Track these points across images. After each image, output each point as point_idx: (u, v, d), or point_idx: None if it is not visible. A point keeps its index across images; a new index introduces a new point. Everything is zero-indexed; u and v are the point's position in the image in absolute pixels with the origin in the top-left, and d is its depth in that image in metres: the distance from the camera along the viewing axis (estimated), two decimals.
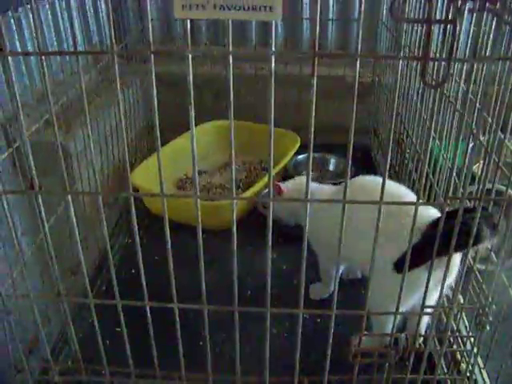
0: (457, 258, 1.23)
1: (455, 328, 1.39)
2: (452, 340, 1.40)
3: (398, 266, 1.20)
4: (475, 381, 1.31)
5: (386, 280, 1.19)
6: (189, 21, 0.74)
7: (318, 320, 1.63)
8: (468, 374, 1.29)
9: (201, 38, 2.82)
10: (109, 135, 1.95)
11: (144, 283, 1.05)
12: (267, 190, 1.67)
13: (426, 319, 1.41)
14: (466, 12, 0.75)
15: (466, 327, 1.40)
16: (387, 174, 0.88)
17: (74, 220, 0.97)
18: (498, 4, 0.91)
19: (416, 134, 1.82)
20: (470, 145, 1.14)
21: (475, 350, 1.25)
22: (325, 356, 1.08)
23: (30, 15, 1.52)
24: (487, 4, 0.91)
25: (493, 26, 1.08)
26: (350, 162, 0.85)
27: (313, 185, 1.65)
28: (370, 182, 1.47)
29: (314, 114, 0.79)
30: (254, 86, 2.59)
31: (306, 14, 2.69)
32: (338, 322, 1.54)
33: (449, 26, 0.72)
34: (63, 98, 1.63)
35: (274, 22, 0.71)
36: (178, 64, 2.59)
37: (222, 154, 2.58)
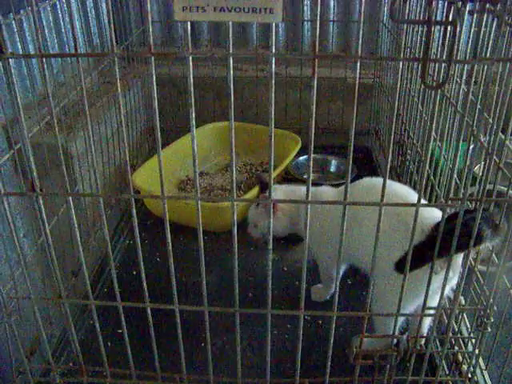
0: (459, 259, 1.23)
1: (456, 329, 1.39)
2: (453, 341, 1.40)
3: (399, 266, 1.20)
4: (476, 382, 1.31)
5: (390, 281, 1.19)
6: (189, 23, 0.74)
7: (320, 321, 1.63)
8: (469, 376, 1.29)
9: (202, 39, 2.83)
10: (110, 137, 1.96)
11: (145, 285, 1.05)
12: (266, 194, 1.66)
13: (427, 321, 1.41)
14: (466, 13, 0.75)
15: (467, 328, 1.40)
16: (388, 175, 0.88)
17: (75, 222, 0.98)
18: (499, 5, 0.91)
19: (417, 135, 1.82)
20: (471, 146, 1.14)
21: (476, 351, 1.24)
22: (326, 357, 1.08)
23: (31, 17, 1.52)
24: (487, 5, 0.91)
25: (493, 27, 1.08)
26: (350, 164, 0.85)
27: (312, 188, 1.64)
28: (376, 184, 1.48)
29: (314, 115, 0.79)
30: (255, 88, 2.59)
31: (306, 16, 2.69)
32: (340, 323, 1.55)
33: (449, 28, 0.72)
34: (64, 100, 1.63)
35: (274, 24, 0.71)
36: (179, 66, 2.60)
37: (223, 156, 2.58)
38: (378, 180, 1.51)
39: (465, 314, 1.40)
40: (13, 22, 1.57)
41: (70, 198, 0.95)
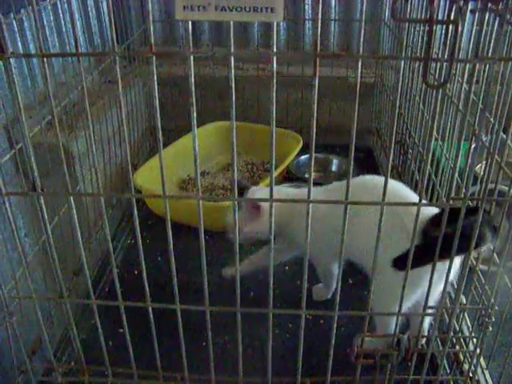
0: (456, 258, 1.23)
1: (458, 329, 1.39)
2: (454, 341, 1.40)
3: (396, 264, 1.20)
4: (478, 381, 1.31)
5: (387, 278, 1.19)
6: (190, 22, 0.74)
7: (321, 321, 1.63)
8: (470, 375, 1.29)
9: (203, 39, 2.82)
10: (111, 136, 1.96)
11: (146, 284, 1.05)
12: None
13: (427, 319, 1.41)
14: (467, 12, 0.75)
15: (468, 328, 1.40)
16: (389, 174, 0.88)
17: (77, 221, 0.98)
18: (501, 4, 0.91)
19: (418, 135, 1.82)
20: (473, 145, 1.14)
21: (478, 350, 1.24)
22: (327, 357, 1.08)
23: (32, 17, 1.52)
24: (489, 4, 0.91)
25: (495, 26, 1.08)
26: (352, 163, 0.85)
27: (297, 190, 1.63)
28: (371, 181, 1.48)
29: (316, 114, 0.79)
30: (257, 87, 2.59)
31: (308, 15, 2.69)
32: (341, 322, 1.55)
33: (450, 27, 0.72)
34: (65, 100, 1.63)
35: (275, 23, 0.71)
36: (180, 65, 2.60)
37: (224, 155, 2.58)
38: (372, 178, 1.52)
39: (466, 314, 1.40)
40: (13, 21, 1.57)
41: (72, 198, 0.95)
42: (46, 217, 0.98)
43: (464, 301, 1.32)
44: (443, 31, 0.74)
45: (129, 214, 2.17)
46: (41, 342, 1.31)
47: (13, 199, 1.30)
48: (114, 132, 1.97)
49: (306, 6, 2.67)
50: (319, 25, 0.71)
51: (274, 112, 0.79)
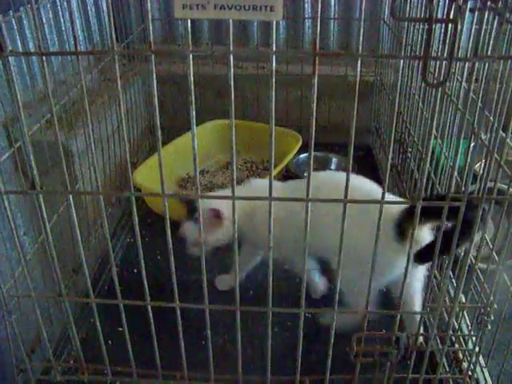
0: (424, 236, 1.29)
1: (457, 327, 1.39)
2: (454, 339, 1.40)
3: (420, 258, 1.22)
4: (477, 380, 1.31)
5: (355, 270, 1.20)
6: (189, 20, 0.74)
7: (320, 319, 1.63)
8: (469, 373, 1.29)
9: (203, 37, 2.82)
10: (111, 135, 1.96)
11: (146, 282, 1.05)
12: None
13: (416, 318, 1.41)
14: (467, 11, 0.75)
15: (467, 326, 1.40)
16: (388, 172, 0.88)
17: (76, 219, 0.98)
18: (500, 3, 0.91)
19: (418, 133, 1.82)
20: (472, 144, 1.14)
21: (477, 349, 1.25)
22: (326, 355, 1.08)
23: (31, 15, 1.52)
24: (488, 3, 0.91)
25: (494, 25, 1.08)
26: (351, 161, 0.85)
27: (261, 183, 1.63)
28: (334, 177, 1.50)
29: (315, 113, 0.79)
30: (256, 86, 2.59)
31: (307, 14, 2.69)
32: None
33: (450, 25, 0.72)
34: (65, 98, 1.63)
35: (274, 22, 0.71)
36: (179, 63, 2.60)
37: (224, 154, 2.58)
38: (334, 173, 1.53)
39: (465, 312, 1.40)
40: (13, 19, 1.56)
41: (70, 196, 0.95)
42: (45, 215, 0.98)
43: (463, 299, 1.33)
44: (442, 30, 0.74)
45: (128, 213, 2.17)
46: (40, 340, 1.31)
47: (12, 198, 1.30)
48: (113, 130, 1.97)
49: (306, 5, 2.66)
50: (318, 23, 0.71)
51: (274, 110, 0.79)
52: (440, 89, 0.85)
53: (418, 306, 1.41)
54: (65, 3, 1.93)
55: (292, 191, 1.48)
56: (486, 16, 1.04)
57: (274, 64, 0.75)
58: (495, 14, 1.02)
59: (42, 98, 1.66)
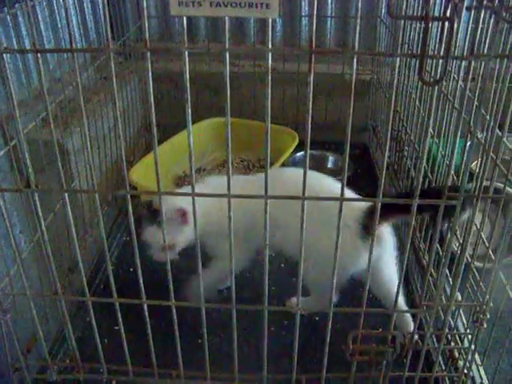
0: (386, 233, 1.33)
1: (453, 325, 1.39)
2: (450, 337, 1.40)
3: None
4: (472, 378, 1.31)
5: (319, 264, 1.24)
6: (185, 18, 0.74)
7: (316, 318, 1.63)
8: (465, 372, 1.29)
9: (199, 35, 2.82)
10: (107, 133, 1.95)
11: (141, 281, 1.05)
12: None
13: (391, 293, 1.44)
14: (463, 9, 0.75)
15: (463, 324, 1.40)
16: (385, 171, 0.88)
17: (72, 218, 0.97)
18: (496, 1, 0.91)
19: (414, 132, 1.82)
20: (468, 142, 1.14)
21: (473, 347, 1.25)
22: (323, 353, 1.08)
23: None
24: (485, 1, 0.91)
25: (491, 24, 1.08)
26: (347, 160, 0.85)
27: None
28: (291, 174, 1.50)
29: (311, 111, 0.79)
30: (253, 84, 2.59)
31: (304, 12, 2.69)
32: (336, 319, 1.54)
33: (446, 24, 0.71)
34: (61, 96, 1.63)
35: (270, 19, 0.71)
36: (176, 61, 2.59)
37: (220, 152, 2.58)
38: (293, 170, 1.53)
39: (461, 311, 1.41)
40: (7, 16, 1.56)
41: (66, 195, 0.94)
42: (41, 213, 0.97)
43: (459, 298, 1.33)
44: (439, 28, 0.73)
45: (124, 211, 2.17)
46: (35, 339, 1.31)
47: (7, 196, 1.30)
48: (109, 128, 1.97)
49: (303, 3, 2.66)
50: (314, 21, 0.71)
51: (270, 108, 0.79)
52: (436, 87, 0.85)
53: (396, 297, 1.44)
54: (60, 0, 1.93)
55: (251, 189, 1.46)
56: (483, 14, 1.04)
57: (270, 62, 0.75)
58: (491, 12, 1.02)
59: (38, 95, 1.66)
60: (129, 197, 0.93)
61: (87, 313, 1.10)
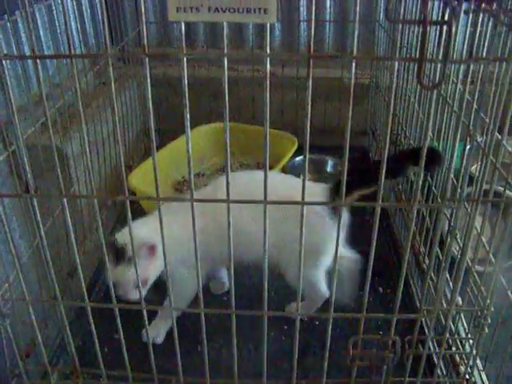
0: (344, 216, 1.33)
1: (454, 330, 1.39)
2: (451, 342, 1.40)
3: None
4: (474, 383, 1.31)
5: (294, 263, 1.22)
6: (184, 23, 0.74)
7: (316, 322, 1.63)
8: (467, 377, 1.28)
9: (198, 40, 2.82)
10: (106, 138, 1.95)
11: (141, 286, 1.04)
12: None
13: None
14: (461, 13, 0.75)
15: (464, 329, 1.40)
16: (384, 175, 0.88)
17: (71, 223, 0.97)
18: (494, 5, 0.91)
19: (413, 135, 1.82)
20: (468, 146, 1.14)
21: (474, 352, 1.24)
22: (323, 359, 1.07)
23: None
24: (483, 5, 0.91)
25: (489, 27, 1.08)
26: (346, 164, 0.84)
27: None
28: (253, 177, 1.49)
29: (310, 115, 0.79)
30: (251, 88, 2.59)
31: (303, 16, 2.69)
32: (336, 324, 1.54)
33: (444, 27, 0.71)
34: (60, 101, 1.63)
35: (268, 24, 0.71)
36: (175, 66, 2.60)
37: (219, 157, 2.58)
38: (254, 173, 1.54)
39: (462, 315, 1.40)
40: (8, 23, 1.56)
41: (65, 200, 0.94)
42: (40, 219, 0.97)
43: (460, 302, 1.32)
44: (437, 32, 0.73)
45: (124, 216, 2.16)
46: (35, 344, 1.30)
47: (7, 201, 1.30)
48: (108, 133, 1.97)
49: (301, 8, 2.67)
50: (313, 25, 0.71)
51: (268, 113, 0.79)
52: (435, 91, 0.85)
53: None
54: (60, 6, 1.93)
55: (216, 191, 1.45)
56: (481, 18, 1.04)
57: (268, 66, 0.74)
58: (490, 15, 1.02)
59: (37, 101, 1.66)
60: (128, 202, 0.93)
61: (87, 320, 1.10)
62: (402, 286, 1.01)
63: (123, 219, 2.16)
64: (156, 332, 1.52)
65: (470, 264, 1.24)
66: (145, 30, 0.75)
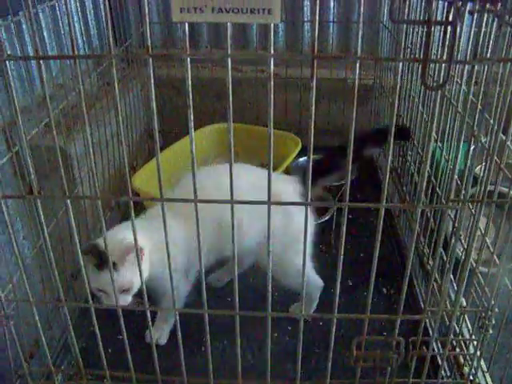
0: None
1: (458, 331, 1.38)
2: (455, 343, 1.39)
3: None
4: None
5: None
6: (188, 24, 0.74)
7: (320, 323, 1.62)
8: (471, 378, 1.28)
9: (202, 41, 2.82)
10: (110, 139, 1.95)
11: (144, 288, 1.05)
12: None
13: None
14: (466, 13, 0.74)
15: (468, 330, 1.39)
16: (388, 175, 0.88)
17: (74, 224, 0.97)
18: (499, 5, 0.90)
19: (417, 136, 1.82)
20: (472, 146, 1.13)
21: (478, 353, 1.24)
22: (327, 359, 1.07)
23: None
24: (488, 5, 0.91)
25: (494, 27, 1.08)
26: (350, 164, 0.84)
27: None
28: (216, 171, 1.48)
29: (314, 116, 0.79)
30: (255, 89, 2.59)
31: (306, 17, 2.69)
32: (341, 324, 1.54)
33: (449, 28, 0.71)
34: (64, 102, 1.63)
35: (272, 25, 0.71)
36: (179, 67, 2.60)
37: (222, 157, 2.57)
38: (218, 167, 1.53)
39: (466, 316, 1.40)
40: (11, 24, 1.56)
41: (69, 201, 0.94)
42: (43, 220, 0.97)
43: (464, 303, 1.32)
44: (442, 32, 0.73)
45: (127, 217, 2.16)
46: (38, 345, 1.30)
47: (11, 202, 1.30)
48: (112, 134, 1.97)
49: (305, 8, 2.67)
50: (317, 26, 0.71)
51: (272, 114, 0.78)
52: (439, 92, 0.85)
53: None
54: (64, 7, 1.93)
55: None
56: (486, 18, 1.04)
57: (272, 67, 0.74)
58: (494, 16, 1.02)
59: (41, 102, 1.66)
60: (131, 203, 0.93)
61: (91, 322, 1.09)
62: (406, 287, 1.01)
63: (127, 220, 2.17)
64: (159, 333, 1.54)
65: (475, 265, 1.24)
66: (148, 30, 0.75)
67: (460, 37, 1.15)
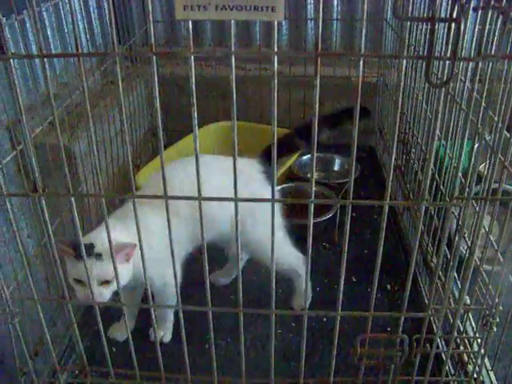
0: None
1: (462, 329, 1.38)
2: (459, 341, 1.39)
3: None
4: (482, 382, 1.30)
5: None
6: (191, 22, 0.74)
7: (324, 320, 1.62)
8: (475, 376, 1.28)
9: (205, 38, 2.82)
10: (113, 137, 1.96)
11: (148, 286, 1.05)
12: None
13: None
14: (470, 10, 0.74)
15: (472, 328, 1.39)
16: (392, 173, 0.88)
17: (79, 222, 0.97)
18: (503, 1, 0.90)
19: (421, 134, 1.81)
20: (476, 144, 1.13)
21: (482, 351, 1.24)
22: (330, 357, 1.07)
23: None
24: (492, 1, 0.90)
25: (498, 24, 1.07)
26: (354, 162, 0.84)
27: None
28: (185, 163, 1.51)
29: (318, 114, 0.78)
30: (259, 87, 2.59)
31: (310, 15, 2.69)
32: (345, 321, 1.54)
33: (453, 25, 0.71)
34: (68, 101, 1.63)
35: (276, 22, 0.71)
36: (182, 65, 2.60)
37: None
38: (185, 160, 1.56)
39: (470, 314, 1.39)
40: (15, 22, 1.57)
41: (73, 199, 0.95)
42: (47, 218, 0.97)
43: (468, 301, 1.32)
44: (446, 29, 0.73)
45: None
46: (43, 343, 1.31)
47: (15, 200, 1.30)
48: (116, 132, 1.97)
49: (309, 6, 2.66)
50: (320, 24, 0.71)
51: (276, 112, 0.78)
52: (443, 89, 0.84)
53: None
54: (67, 5, 1.93)
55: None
56: (490, 15, 1.04)
57: (276, 64, 0.74)
58: (499, 13, 1.02)
59: (45, 100, 1.66)
60: (135, 201, 0.93)
61: (95, 319, 1.10)
62: (410, 284, 1.01)
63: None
64: (163, 331, 1.54)
65: (478, 263, 1.24)
66: (152, 28, 0.75)
67: (464, 34, 1.15)
